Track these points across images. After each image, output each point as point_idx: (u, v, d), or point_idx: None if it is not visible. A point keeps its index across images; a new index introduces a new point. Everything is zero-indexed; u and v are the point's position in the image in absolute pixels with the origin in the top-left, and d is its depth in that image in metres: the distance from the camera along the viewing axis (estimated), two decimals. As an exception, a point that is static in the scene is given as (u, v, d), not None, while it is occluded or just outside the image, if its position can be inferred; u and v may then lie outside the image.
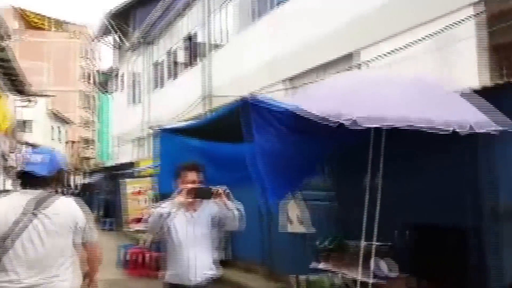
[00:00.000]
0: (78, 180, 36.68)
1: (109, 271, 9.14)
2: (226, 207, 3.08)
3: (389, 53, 6.52)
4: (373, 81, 3.18)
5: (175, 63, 15.71)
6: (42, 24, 48.27)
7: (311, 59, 8.42)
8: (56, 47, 46.64)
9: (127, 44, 20.59)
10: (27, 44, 43.70)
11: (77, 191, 24.21)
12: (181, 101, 14.35)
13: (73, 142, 43.75)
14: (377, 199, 3.28)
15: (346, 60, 7.53)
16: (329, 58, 7.98)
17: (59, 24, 49.89)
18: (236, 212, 3.09)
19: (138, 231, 8.44)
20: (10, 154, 13.96)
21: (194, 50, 14.12)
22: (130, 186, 8.37)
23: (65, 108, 42.95)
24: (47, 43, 46.46)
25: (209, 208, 3.23)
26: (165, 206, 3.08)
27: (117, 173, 16.82)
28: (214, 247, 3.32)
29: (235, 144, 3.87)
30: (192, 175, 3.20)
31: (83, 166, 40.36)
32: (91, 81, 49.44)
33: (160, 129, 4.50)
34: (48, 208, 2.33)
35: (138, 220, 8.29)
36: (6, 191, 10.00)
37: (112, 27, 20.50)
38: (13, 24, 45.45)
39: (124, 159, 19.09)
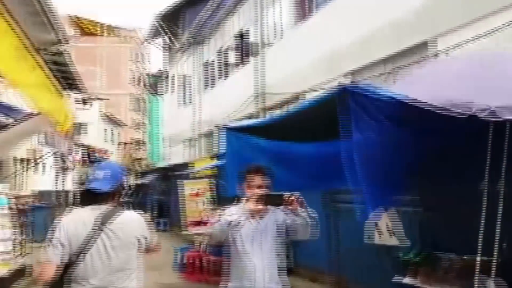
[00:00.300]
0: (131, 181, 37.48)
1: (165, 274, 8.93)
2: (298, 214, 2.76)
3: (471, 39, 5.75)
4: (494, 61, 2.57)
5: (226, 62, 15.45)
6: (95, 30, 49.92)
7: (377, 50, 7.77)
8: (108, 52, 48.07)
9: (177, 45, 20.65)
10: (81, 50, 45.59)
11: (130, 191, 24.62)
12: (232, 100, 14.04)
13: (125, 143, 44.94)
14: (499, 206, 2.68)
15: (419, 50, 6.82)
16: (398, 48, 7.29)
17: (111, 30, 51.50)
18: (309, 220, 2.79)
19: (196, 234, 8.16)
20: (68, 155, 14.23)
21: (246, 48, 13.76)
22: (187, 187, 8.08)
23: (117, 111, 44.22)
24: (100, 48, 47.98)
25: (275, 215, 2.92)
26: (233, 213, 2.78)
27: (170, 174, 16.86)
28: (280, 256, 2.99)
29: (310, 143, 3.41)
30: (258, 180, 2.89)
31: (135, 167, 41.34)
32: (142, 84, 50.81)
33: (224, 127, 4.08)
34: (114, 223, 2.43)
35: (197, 223, 8.02)
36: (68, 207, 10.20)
37: (162, 29, 20.66)
38: (69, 31, 47.78)
39: (175, 160, 19.14)
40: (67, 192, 19.20)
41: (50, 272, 2.36)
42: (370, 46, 7.93)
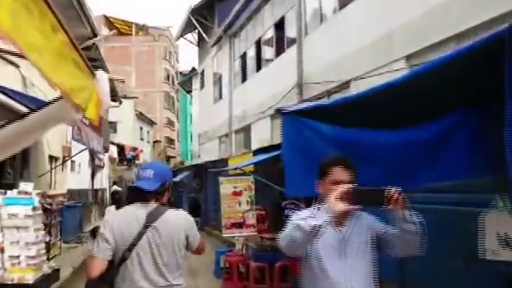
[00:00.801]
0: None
1: (200, 278, 8.25)
2: (404, 219, 2.02)
3: None
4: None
5: (263, 53, 14.62)
6: (128, 29, 50.66)
7: (439, 29, 6.74)
8: (140, 51, 48.69)
9: (210, 40, 20.05)
10: (114, 50, 46.36)
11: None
12: (270, 92, 13.24)
13: (158, 141, 45.33)
14: None
15: (493, 25, 5.76)
16: (467, 26, 6.25)
17: (143, 29, 52.10)
18: (417, 228, 2.07)
19: (235, 238, 7.39)
20: (100, 152, 13.77)
21: (284, 37, 12.91)
22: (227, 186, 7.30)
23: (149, 109, 44.57)
24: (132, 48, 48.58)
25: (363, 220, 2.24)
26: (309, 216, 1.98)
27: (204, 171, 16.25)
28: (375, 279, 2.19)
29: (404, 129, 2.53)
30: (344, 173, 2.15)
31: (170, 164, 41.66)
32: (173, 82, 51.18)
33: (282, 111, 3.24)
34: (161, 221, 2.42)
35: (237, 225, 7.24)
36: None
37: (197, 21, 20.16)
38: (104, 31, 48.56)
39: (207, 157, 18.51)
40: (98, 191, 19.00)
41: (98, 268, 2.33)
42: (430, 25, 6.91)
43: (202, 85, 23.79)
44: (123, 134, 34.62)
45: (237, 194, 7.21)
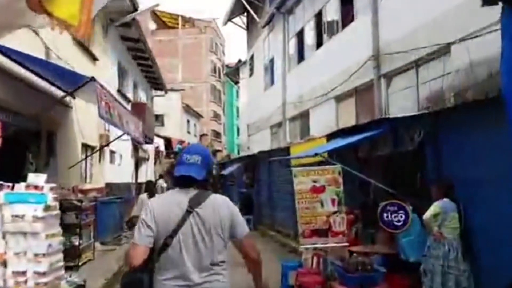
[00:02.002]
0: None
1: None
2: None
3: None
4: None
5: (323, 27, 12.59)
6: (174, 23, 50.47)
7: None
8: (187, 44, 48.30)
9: (261, 21, 18.26)
10: (162, 44, 46.16)
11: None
12: (333, 71, 11.25)
13: (205, 135, 44.72)
14: None
15: None
16: None
17: (189, 21, 51.57)
18: None
19: (317, 249, 5.47)
20: (141, 143, 12.36)
21: (351, 3, 10.83)
22: (303, 179, 5.36)
23: (196, 102, 43.98)
24: (179, 41, 48.19)
25: None
26: None
27: (255, 163, 14.53)
28: None
29: None
30: None
31: (216, 158, 40.95)
32: (220, 75, 50.28)
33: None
34: (204, 206, 2.28)
35: (323, 233, 5.29)
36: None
37: (246, 1, 18.49)
38: (151, 25, 48.48)
39: (258, 148, 16.73)
40: (142, 184, 17.75)
41: (141, 256, 2.17)
42: None
43: (251, 72, 22.10)
44: (170, 127, 34.29)
45: (318, 190, 5.28)
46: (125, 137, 12.64)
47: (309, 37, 13.88)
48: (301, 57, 14.52)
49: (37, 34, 6.68)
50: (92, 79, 5.09)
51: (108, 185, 11.32)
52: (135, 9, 10.97)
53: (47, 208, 4.76)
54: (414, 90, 8.26)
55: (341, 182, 5.28)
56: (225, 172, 20.03)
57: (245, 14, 22.42)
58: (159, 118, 33.50)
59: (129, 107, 12.77)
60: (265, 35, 18.56)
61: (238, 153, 36.88)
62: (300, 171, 5.50)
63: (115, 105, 5.98)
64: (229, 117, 51.71)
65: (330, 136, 7.12)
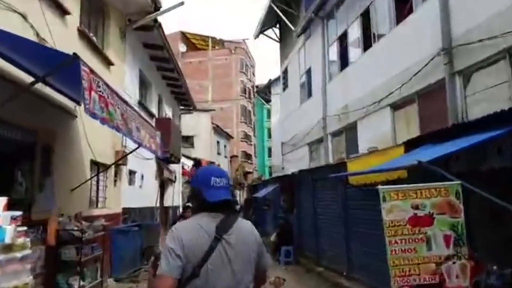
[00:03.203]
0: (242, 195, 35.46)
1: None
2: None
3: None
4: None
5: (372, 26, 10.89)
6: (204, 44, 50.49)
7: None
8: (217, 65, 48.02)
9: (295, 29, 16.82)
10: (192, 65, 45.95)
11: (238, 206, 21.26)
12: (387, 74, 9.53)
13: (235, 156, 43.63)
14: None
15: None
16: None
17: (219, 43, 51.36)
18: None
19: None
20: (159, 156, 10.89)
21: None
22: (397, 204, 3.46)
23: (226, 123, 43.12)
24: (209, 62, 47.87)
25: None
26: None
27: (294, 184, 12.73)
28: None
29: None
30: None
31: (247, 180, 39.56)
32: (250, 95, 49.36)
33: None
34: (233, 232, 2.11)
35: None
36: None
37: (279, 10, 17.17)
38: (182, 47, 48.45)
39: (294, 168, 14.95)
40: (168, 209, 16.22)
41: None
42: None
43: (285, 86, 20.58)
44: (200, 148, 33.49)
45: (422, 221, 3.39)
46: (148, 154, 11.25)
47: (354, 40, 12.20)
48: (344, 63, 12.84)
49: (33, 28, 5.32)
50: (75, 56, 3.58)
51: (126, 210, 9.80)
52: (157, 9, 9.65)
53: (6, 248, 3.18)
54: (505, 88, 6.40)
55: (461, 208, 3.43)
56: (260, 194, 18.25)
57: (277, 25, 21.18)
58: (189, 140, 32.63)
59: (152, 123, 11.36)
60: (301, 45, 17.06)
61: (270, 175, 35.19)
62: (393, 191, 3.65)
63: (117, 102, 4.44)
64: (260, 138, 50.51)
65: (410, 145, 5.31)
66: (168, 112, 15.98)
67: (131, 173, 10.55)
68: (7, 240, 3.19)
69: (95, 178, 7.95)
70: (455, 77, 7.39)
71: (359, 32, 11.76)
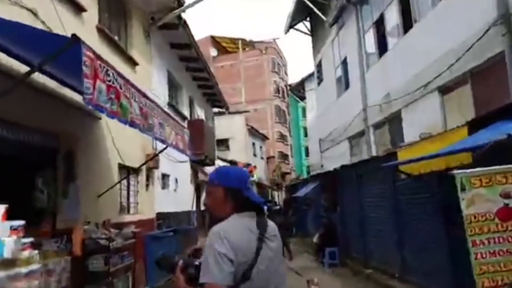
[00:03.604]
0: (281, 196, 34.82)
1: None
2: None
3: None
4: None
5: (412, 5, 10.00)
6: (234, 47, 50.35)
7: None
8: (248, 66, 47.71)
9: (327, 19, 16.05)
10: (224, 69, 45.87)
11: (277, 207, 20.61)
12: (433, 55, 8.67)
13: (271, 157, 43.07)
14: None
15: None
16: None
17: (249, 44, 51.05)
18: None
19: None
20: (187, 155, 10.44)
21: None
22: (480, 192, 2.69)
23: (261, 124, 42.64)
24: (240, 64, 47.64)
25: None
26: None
27: (336, 182, 11.97)
28: None
29: None
30: None
31: (285, 181, 38.90)
32: (283, 95, 48.69)
33: None
34: (269, 232, 2.06)
35: None
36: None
37: (310, 1, 16.50)
38: (212, 51, 48.51)
39: (334, 165, 14.15)
40: (204, 212, 15.81)
41: None
42: None
43: (319, 80, 19.81)
44: (236, 151, 33.22)
45: None
46: (182, 157, 10.85)
47: (392, 24, 11.33)
48: (382, 49, 11.98)
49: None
50: (74, 38, 3.11)
51: (160, 215, 9.41)
52: (180, 5, 9.21)
53: (7, 263, 2.72)
54: None
55: None
56: (300, 193, 17.52)
57: (308, 18, 20.46)
58: (224, 143, 32.40)
59: (185, 125, 10.97)
60: (334, 35, 16.27)
61: (308, 175, 34.39)
62: (474, 176, 2.89)
63: (133, 94, 3.93)
64: (296, 138, 49.61)
65: (475, 125, 4.51)
66: (200, 114, 15.61)
67: (164, 176, 10.16)
68: (7, 254, 2.74)
69: (124, 183, 7.58)
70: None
71: (398, 13, 10.89)
